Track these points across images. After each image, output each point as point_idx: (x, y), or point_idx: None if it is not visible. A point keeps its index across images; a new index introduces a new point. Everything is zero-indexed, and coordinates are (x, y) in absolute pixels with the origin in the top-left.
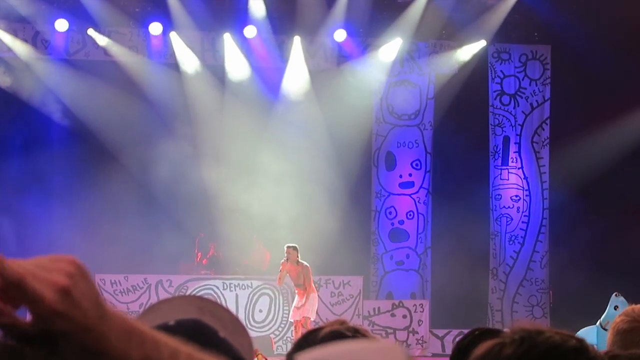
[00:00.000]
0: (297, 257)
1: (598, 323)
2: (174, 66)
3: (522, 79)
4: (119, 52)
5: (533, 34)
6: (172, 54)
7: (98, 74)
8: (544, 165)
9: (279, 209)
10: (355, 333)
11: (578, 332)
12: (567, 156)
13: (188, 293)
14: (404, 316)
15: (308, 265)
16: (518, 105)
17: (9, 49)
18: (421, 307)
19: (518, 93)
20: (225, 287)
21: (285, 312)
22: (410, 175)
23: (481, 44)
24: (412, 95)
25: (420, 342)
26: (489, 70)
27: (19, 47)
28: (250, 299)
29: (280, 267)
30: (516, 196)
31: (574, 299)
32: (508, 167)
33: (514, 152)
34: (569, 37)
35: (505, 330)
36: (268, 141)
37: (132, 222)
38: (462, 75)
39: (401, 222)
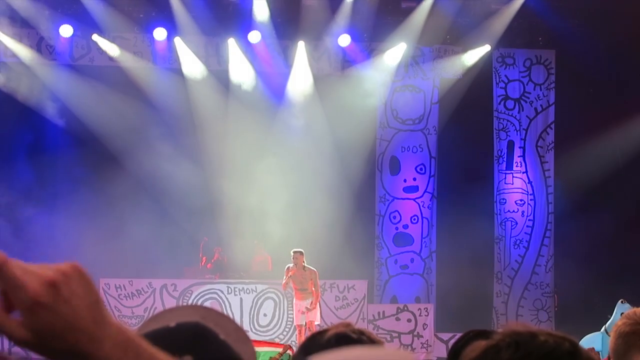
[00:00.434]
0: (304, 262)
1: (603, 329)
2: (179, 71)
3: (527, 84)
4: (124, 57)
5: (537, 38)
6: (177, 59)
7: (102, 80)
8: (549, 170)
9: (284, 213)
10: (361, 335)
11: (584, 338)
12: (571, 160)
13: (192, 297)
14: (409, 320)
15: (315, 270)
16: (522, 110)
17: (14, 54)
18: (426, 311)
19: (522, 98)
20: (229, 291)
21: (289, 316)
22: (414, 179)
23: (485, 48)
24: (416, 100)
25: (425, 345)
26: (494, 75)
27: (24, 53)
28: (255, 303)
29: (286, 273)
30: (521, 200)
31: (578, 303)
32: (512, 171)
33: (519, 157)
34: (573, 42)
35: (499, 330)
36: (272, 146)
37: (136, 227)
38: (466, 80)
39: (405, 227)
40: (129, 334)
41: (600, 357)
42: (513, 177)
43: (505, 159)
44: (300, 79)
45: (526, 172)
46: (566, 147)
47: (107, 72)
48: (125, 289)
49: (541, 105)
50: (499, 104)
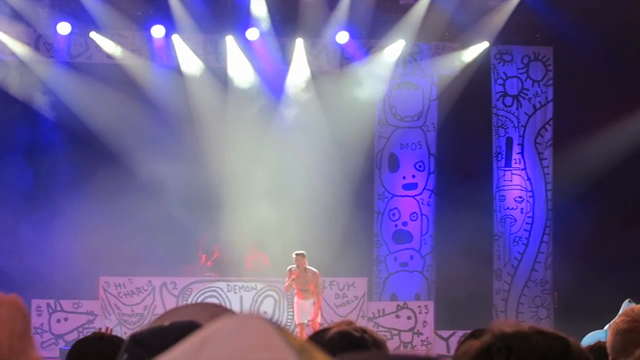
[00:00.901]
0: (306, 264)
1: (607, 327)
2: (177, 69)
3: (525, 80)
4: (122, 55)
5: (535, 35)
6: (175, 57)
7: (101, 77)
8: (548, 167)
9: (282, 211)
10: (363, 334)
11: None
12: (570, 157)
13: (192, 295)
14: (409, 317)
15: (317, 271)
16: (521, 107)
17: (12, 52)
18: (426, 308)
19: (521, 94)
20: (229, 289)
21: (289, 314)
22: (413, 176)
23: (484, 45)
24: (414, 96)
25: (425, 343)
26: (492, 72)
27: (22, 50)
28: (255, 301)
29: (288, 275)
30: (519, 197)
31: (578, 300)
32: (511, 168)
33: (517, 154)
34: (571, 39)
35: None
36: (271, 143)
37: (135, 225)
38: (464, 77)
39: (405, 224)
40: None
41: None
42: (512, 173)
43: (504, 156)
44: (298, 76)
45: (525, 169)
46: (565, 144)
47: (105, 69)
48: (125, 287)
49: (539, 102)
50: (498, 100)
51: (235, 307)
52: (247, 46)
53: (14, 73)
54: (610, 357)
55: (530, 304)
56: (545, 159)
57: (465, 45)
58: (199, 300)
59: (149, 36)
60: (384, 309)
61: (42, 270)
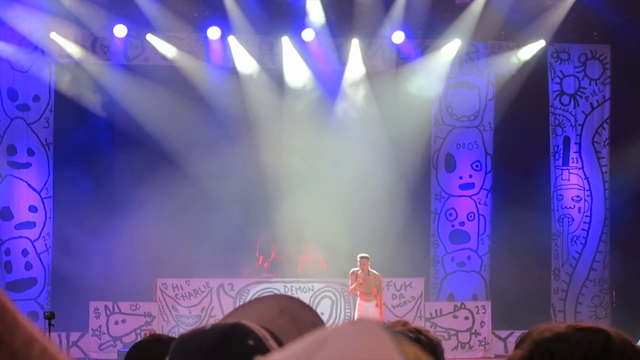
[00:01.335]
0: (369, 267)
1: None
2: (233, 70)
3: (582, 79)
4: (178, 57)
5: (592, 33)
6: (231, 58)
7: (157, 79)
8: (606, 165)
9: (339, 211)
10: (418, 334)
11: None
12: (628, 155)
13: (249, 296)
14: (466, 318)
15: (379, 274)
16: (578, 105)
17: (69, 55)
18: (483, 308)
19: (578, 93)
20: (286, 290)
21: (347, 314)
22: (470, 176)
23: (540, 44)
24: (471, 96)
25: (482, 343)
26: (549, 71)
27: (79, 53)
28: (312, 302)
29: (351, 278)
30: (577, 196)
31: (637, 299)
32: (569, 167)
33: (575, 152)
34: (628, 36)
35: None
36: (327, 144)
37: (193, 227)
38: (521, 76)
39: (462, 224)
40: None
41: None
42: (569, 173)
43: (561, 155)
44: (354, 77)
45: (582, 168)
46: (622, 143)
47: (162, 71)
48: (182, 289)
49: (597, 101)
50: (555, 99)
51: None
52: (302, 47)
53: (71, 76)
54: None
55: (589, 303)
56: (603, 157)
57: (521, 44)
58: None
59: (205, 37)
60: (441, 309)
61: (100, 272)
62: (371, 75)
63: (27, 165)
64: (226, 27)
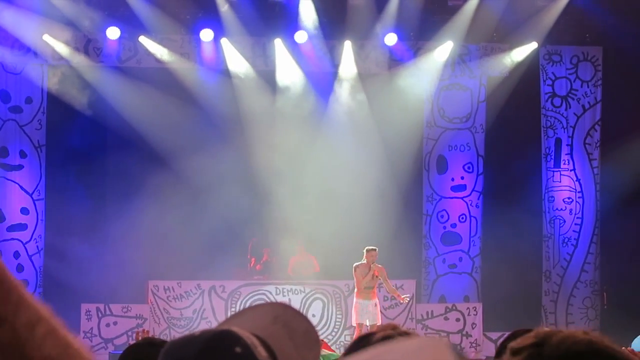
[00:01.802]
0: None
1: None
2: (226, 72)
3: (574, 81)
4: (171, 58)
5: (584, 35)
6: (223, 60)
7: (149, 81)
8: (597, 167)
9: (331, 213)
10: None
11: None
12: (619, 158)
13: (241, 298)
14: (457, 319)
15: (381, 266)
16: (570, 107)
17: (62, 57)
18: (474, 310)
19: (569, 95)
20: (278, 292)
21: (338, 316)
22: (462, 178)
23: (532, 46)
24: (463, 98)
25: (474, 345)
26: (540, 72)
27: (71, 55)
28: (303, 304)
29: (358, 273)
30: (569, 198)
31: (628, 301)
32: (560, 169)
33: (566, 154)
34: (620, 39)
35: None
36: (319, 145)
37: (184, 229)
38: (513, 78)
39: (453, 226)
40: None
41: None
42: (561, 174)
43: (553, 157)
44: (346, 79)
45: (574, 169)
46: (614, 145)
47: (154, 73)
48: (173, 291)
49: (589, 103)
50: (546, 101)
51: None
52: (295, 49)
53: (64, 78)
54: None
55: (580, 305)
56: (595, 159)
57: (513, 46)
58: (248, 303)
59: (198, 40)
60: (432, 311)
61: (92, 274)
62: (364, 77)
63: (19, 167)
64: (219, 29)
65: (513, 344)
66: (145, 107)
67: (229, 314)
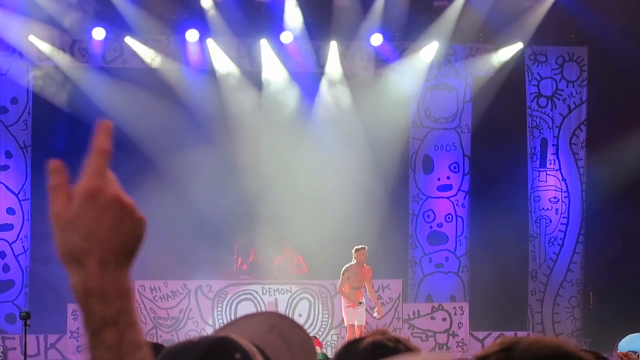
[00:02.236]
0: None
1: None
2: (211, 73)
3: (559, 81)
4: (156, 59)
5: (570, 35)
6: (209, 61)
7: (135, 82)
8: (583, 167)
9: (317, 213)
10: (397, 344)
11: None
12: (604, 158)
13: (227, 298)
14: (444, 319)
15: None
16: (555, 107)
17: (47, 58)
18: (461, 309)
19: (555, 95)
20: (264, 292)
21: (324, 316)
22: (448, 178)
23: (518, 46)
24: (449, 98)
25: (460, 344)
26: (526, 73)
27: (57, 56)
28: (290, 304)
29: (345, 276)
30: (555, 198)
31: (614, 301)
32: (546, 169)
33: (552, 154)
34: (605, 39)
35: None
36: (305, 145)
37: (171, 229)
38: (499, 78)
39: (439, 225)
40: (130, 290)
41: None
42: (547, 174)
43: (538, 157)
44: (332, 79)
45: (560, 169)
46: (599, 144)
47: (140, 74)
48: (160, 291)
49: (574, 103)
50: (532, 101)
51: (270, 310)
52: (281, 49)
53: (49, 78)
54: None
55: (566, 304)
56: (581, 159)
57: (499, 46)
58: (234, 303)
59: (183, 40)
60: (419, 311)
61: None
62: (349, 77)
63: (5, 167)
64: (204, 30)
65: (479, 353)
66: (130, 108)
67: (215, 314)
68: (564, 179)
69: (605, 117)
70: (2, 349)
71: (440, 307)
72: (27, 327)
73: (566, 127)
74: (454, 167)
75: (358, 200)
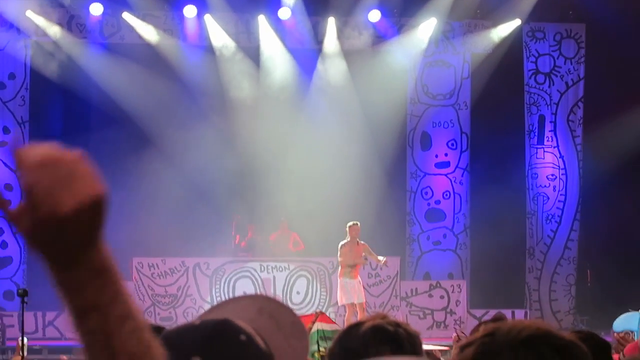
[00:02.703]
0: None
1: None
2: (209, 48)
3: (557, 58)
4: (154, 35)
5: (567, 12)
6: (207, 37)
7: (133, 57)
8: (581, 144)
9: (315, 190)
10: (397, 327)
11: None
12: (602, 134)
13: (225, 275)
14: (442, 297)
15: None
16: (553, 84)
17: (45, 33)
18: (459, 287)
19: (553, 72)
20: (262, 269)
21: (322, 293)
22: (446, 155)
23: (516, 22)
24: (446, 75)
25: (458, 322)
26: (524, 49)
27: (55, 31)
28: (288, 281)
29: (342, 251)
30: (552, 175)
31: (611, 278)
32: (544, 145)
33: (550, 131)
34: (603, 16)
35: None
36: (303, 122)
37: (169, 206)
38: (497, 55)
39: (437, 202)
40: (102, 261)
41: (635, 338)
42: (544, 151)
43: (536, 134)
44: (330, 55)
45: (557, 146)
46: (596, 122)
47: (138, 50)
48: (158, 268)
49: (572, 80)
50: (530, 78)
51: (268, 287)
52: (278, 25)
53: (47, 54)
54: None
55: (563, 282)
56: (578, 136)
57: (497, 23)
58: (232, 280)
59: (181, 16)
60: (416, 288)
61: None
62: (347, 54)
63: (3, 143)
64: (202, 6)
65: (462, 342)
66: (128, 83)
67: (213, 291)
68: (561, 156)
69: (602, 94)
70: (0, 326)
71: (438, 285)
72: (25, 304)
73: (564, 104)
74: (452, 144)
75: (355, 177)
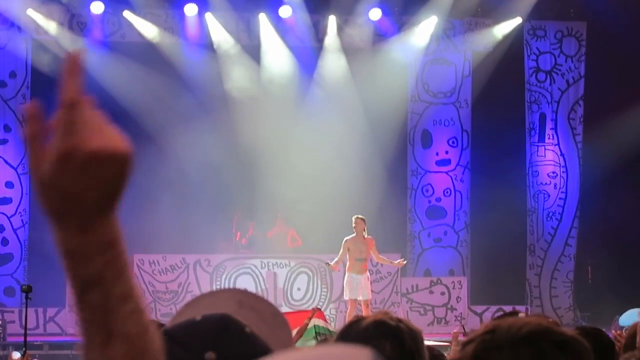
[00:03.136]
0: (365, 229)
1: None
2: (209, 47)
3: (558, 56)
4: (155, 33)
5: (568, 10)
6: (208, 35)
7: (134, 56)
8: (581, 142)
9: (316, 187)
10: (399, 323)
11: (624, 314)
12: (603, 132)
13: (226, 272)
14: (442, 293)
15: (371, 237)
16: (554, 82)
17: (45, 32)
18: (459, 284)
19: (554, 70)
20: (263, 266)
21: (323, 290)
22: (446, 152)
23: (517, 21)
24: (447, 73)
25: (458, 318)
26: (525, 48)
27: (56, 30)
28: (288, 278)
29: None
30: (553, 172)
31: (612, 275)
32: (545, 143)
33: (550, 129)
34: (604, 14)
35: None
36: (304, 120)
37: (170, 203)
38: (497, 53)
39: (438, 200)
40: (113, 234)
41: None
42: (545, 149)
43: (537, 132)
44: (331, 54)
45: (558, 144)
46: (597, 120)
47: (139, 48)
48: (159, 265)
49: (573, 78)
50: (531, 76)
51: (270, 284)
52: (279, 24)
53: (48, 52)
54: None
55: (564, 278)
56: (579, 134)
57: (498, 21)
58: (233, 277)
59: (182, 14)
60: (417, 285)
61: None
62: (348, 52)
63: (4, 141)
64: (203, 4)
65: (463, 339)
66: (129, 82)
67: (214, 288)
68: (562, 154)
69: (603, 92)
70: (1, 322)
71: (439, 282)
72: (28, 301)
73: (564, 101)
74: (453, 142)
75: (357, 174)
